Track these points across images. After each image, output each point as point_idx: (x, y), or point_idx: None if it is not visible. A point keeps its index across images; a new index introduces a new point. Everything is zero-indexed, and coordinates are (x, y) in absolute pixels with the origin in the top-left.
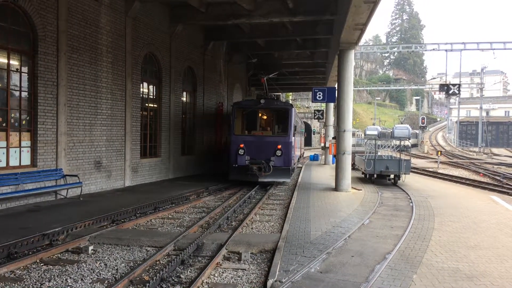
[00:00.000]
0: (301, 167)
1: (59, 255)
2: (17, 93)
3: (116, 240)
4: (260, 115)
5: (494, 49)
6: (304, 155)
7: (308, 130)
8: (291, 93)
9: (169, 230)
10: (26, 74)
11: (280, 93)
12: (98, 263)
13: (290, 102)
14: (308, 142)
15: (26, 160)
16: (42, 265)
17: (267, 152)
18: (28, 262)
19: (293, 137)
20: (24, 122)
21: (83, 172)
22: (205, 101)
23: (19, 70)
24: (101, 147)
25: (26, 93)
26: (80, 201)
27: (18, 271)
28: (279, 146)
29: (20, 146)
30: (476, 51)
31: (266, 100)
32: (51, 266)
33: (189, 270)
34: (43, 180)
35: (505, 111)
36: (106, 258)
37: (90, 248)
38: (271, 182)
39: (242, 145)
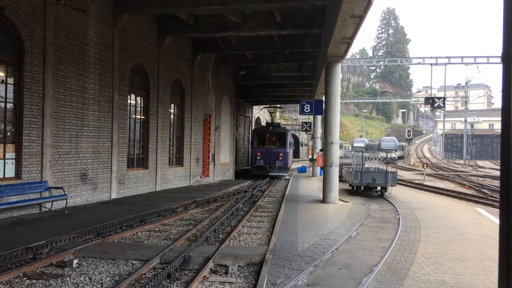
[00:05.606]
0: (289, 179)
1: (43, 269)
2: (2, 104)
3: (101, 253)
4: (268, 135)
5: (478, 63)
6: (292, 167)
7: (296, 142)
8: (279, 105)
9: (156, 243)
10: (12, 85)
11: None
12: (82, 277)
13: (278, 113)
14: (296, 154)
15: (10, 172)
16: (26, 279)
17: (274, 157)
18: (11, 276)
19: (289, 149)
20: (9, 133)
21: (69, 184)
22: (193, 113)
23: (4, 81)
24: (87, 159)
25: (11, 104)
26: (65, 213)
27: (0, 285)
28: (281, 154)
29: (4, 158)
30: (460, 65)
31: (272, 127)
32: (34, 280)
33: (175, 284)
34: (28, 192)
35: (490, 124)
36: (91, 272)
37: (75, 261)
38: (276, 175)
39: (259, 154)
